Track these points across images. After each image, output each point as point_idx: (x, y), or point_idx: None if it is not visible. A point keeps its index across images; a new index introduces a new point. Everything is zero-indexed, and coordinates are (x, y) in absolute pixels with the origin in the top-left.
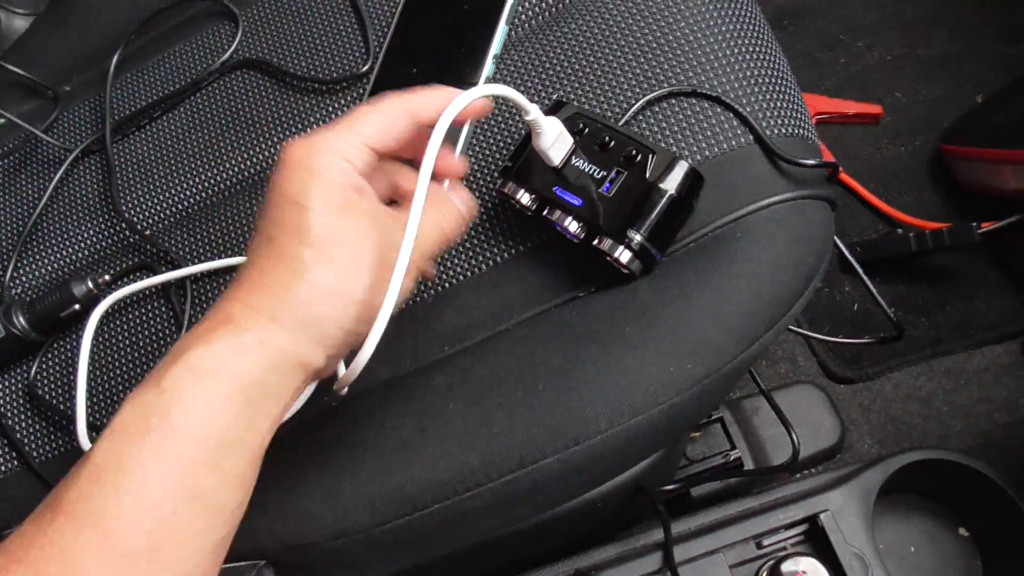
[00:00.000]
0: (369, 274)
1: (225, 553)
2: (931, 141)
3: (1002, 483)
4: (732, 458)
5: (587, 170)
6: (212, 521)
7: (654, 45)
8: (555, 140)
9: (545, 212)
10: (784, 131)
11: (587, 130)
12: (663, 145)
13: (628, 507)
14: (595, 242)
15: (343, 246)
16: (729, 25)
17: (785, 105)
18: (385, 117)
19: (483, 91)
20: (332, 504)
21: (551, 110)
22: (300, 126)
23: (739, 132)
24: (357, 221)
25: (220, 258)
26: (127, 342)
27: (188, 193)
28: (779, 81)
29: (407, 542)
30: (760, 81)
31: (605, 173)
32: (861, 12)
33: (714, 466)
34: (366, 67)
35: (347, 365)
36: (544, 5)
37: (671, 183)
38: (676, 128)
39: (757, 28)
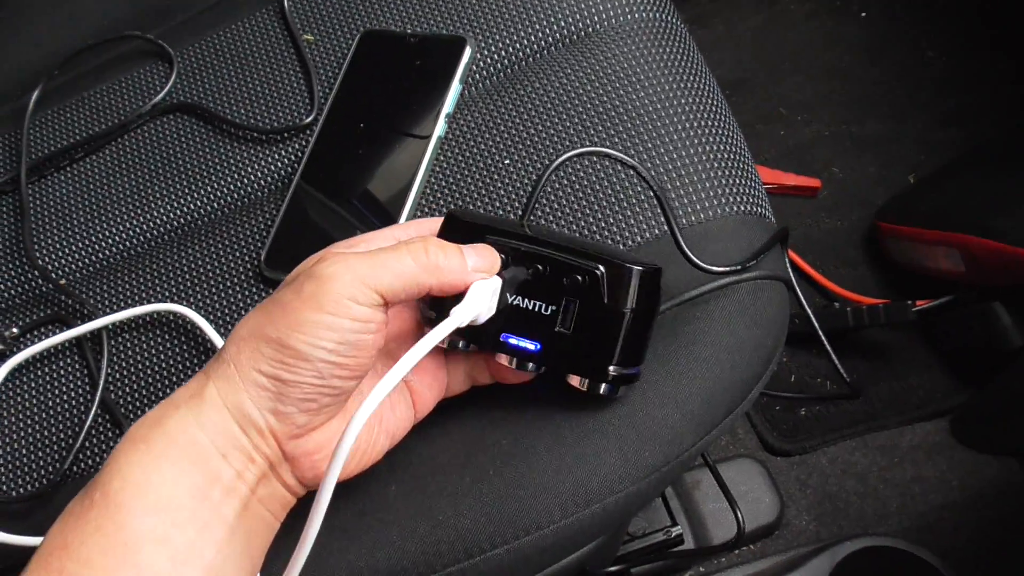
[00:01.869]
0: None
1: None
2: (867, 217)
3: (946, 573)
4: (674, 535)
5: (530, 307)
6: None
7: (613, 114)
8: (483, 303)
9: (497, 359)
10: (741, 208)
11: (508, 258)
12: (633, 233)
13: None
14: (566, 378)
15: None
16: (686, 98)
17: (741, 182)
18: (405, 278)
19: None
20: None
21: (444, 226)
22: (237, 175)
23: (680, 215)
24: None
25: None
26: (33, 402)
27: (110, 241)
28: (736, 157)
29: None
30: (716, 157)
31: (554, 307)
32: (798, 88)
33: (656, 542)
34: (309, 118)
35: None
36: (499, 66)
37: (630, 299)
38: (620, 207)
39: (714, 103)
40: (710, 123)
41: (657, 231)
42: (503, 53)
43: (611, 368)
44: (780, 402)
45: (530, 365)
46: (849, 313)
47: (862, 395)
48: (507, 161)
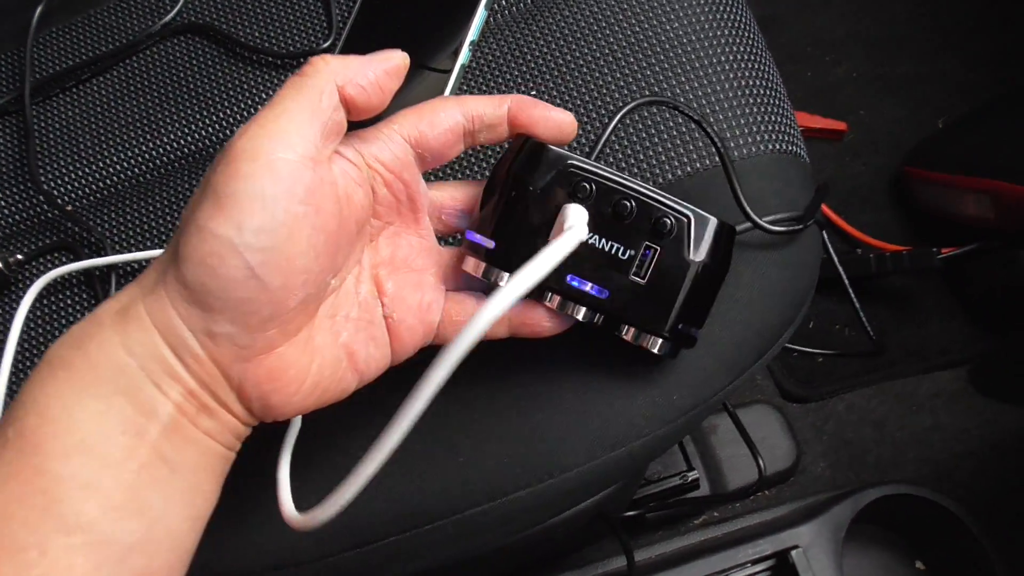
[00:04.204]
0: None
1: None
2: (892, 162)
3: (967, 520)
4: (690, 479)
5: (605, 248)
6: (102, 560)
7: (644, 45)
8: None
9: (548, 302)
10: (776, 147)
11: (593, 190)
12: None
13: (587, 530)
14: (619, 332)
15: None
16: (723, 31)
17: (778, 119)
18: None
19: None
20: (274, 533)
21: (517, 150)
22: (251, 101)
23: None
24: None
25: (152, 245)
26: (38, 331)
27: (118, 167)
28: (771, 94)
29: (352, 573)
30: (752, 93)
31: (633, 252)
32: (829, 26)
33: (672, 487)
34: (327, 43)
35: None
36: None
37: (709, 253)
38: (657, 141)
39: (751, 37)
40: (747, 57)
41: (691, 168)
42: None
43: (679, 326)
44: (798, 349)
45: (582, 312)
46: (872, 260)
47: (885, 351)
48: (534, 92)
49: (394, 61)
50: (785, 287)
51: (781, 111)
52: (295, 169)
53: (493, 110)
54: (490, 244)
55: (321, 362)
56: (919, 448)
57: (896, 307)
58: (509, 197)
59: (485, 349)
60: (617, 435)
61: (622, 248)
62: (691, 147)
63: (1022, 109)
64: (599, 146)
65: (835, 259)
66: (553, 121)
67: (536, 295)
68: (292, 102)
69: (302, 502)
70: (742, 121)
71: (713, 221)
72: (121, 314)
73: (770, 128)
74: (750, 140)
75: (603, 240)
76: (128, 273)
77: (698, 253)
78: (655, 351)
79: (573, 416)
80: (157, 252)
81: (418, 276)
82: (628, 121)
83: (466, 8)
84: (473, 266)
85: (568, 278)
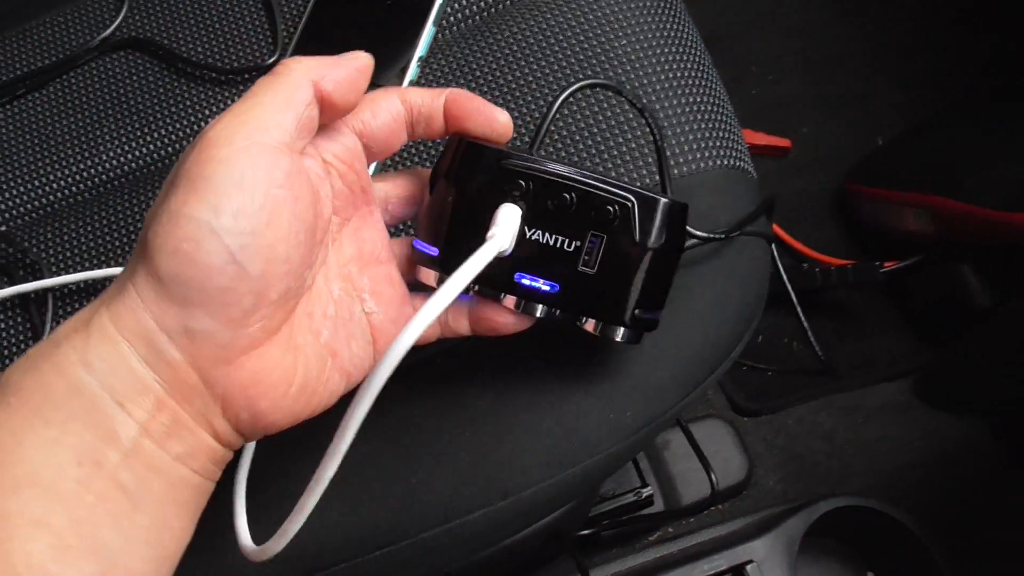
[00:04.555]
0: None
1: None
2: (836, 178)
3: (915, 530)
4: (644, 495)
5: (551, 242)
6: None
7: (594, 62)
8: (514, 228)
9: (505, 301)
10: (724, 162)
11: (530, 187)
12: (626, 178)
13: (541, 550)
14: (580, 323)
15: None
16: (671, 48)
17: (725, 135)
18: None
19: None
20: (215, 560)
21: (451, 149)
22: (193, 118)
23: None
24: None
25: (91, 266)
26: None
27: (55, 186)
28: (719, 111)
29: None
30: (700, 110)
31: (579, 243)
32: (772, 47)
33: (627, 503)
34: (272, 59)
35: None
36: (476, 8)
37: (659, 235)
38: (598, 130)
39: (698, 55)
40: (695, 74)
41: (643, 182)
42: None
43: (637, 311)
44: (747, 359)
45: (539, 309)
46: (817, 274)
47: (833, 368)
48: None
49: (362, 60)
50: (736, 301)
51: (728, 127)
52: (273, 153)
53: (431, 100)
54: (434, 251)
55: (306, 362)
56: (867, 459)
57: (842, 320)
58: (447, 201)
59: (436, 370)
60: (571, 453)
61: (567, 240)
62: (645, 161)
63: (957, 127)
64: (540, 136)
65: (783, 274)
66: (485, 115)
67: (491, 295)
68: (265, 96)
69: (258, 531)
70: (691, 137)
71: (662, 202)
72: (81, 329)
73: (718, 144)
74: (699, 156)
75: (546, 234)
76: (66, 295)
77: (647, 236)
78: (617, 339)
79: (526, 435)
80: (96, 273)
81: (387, 269)
82: (584, 128)
83: (414, 24)
84: (426, 276)
85: (517, 276)
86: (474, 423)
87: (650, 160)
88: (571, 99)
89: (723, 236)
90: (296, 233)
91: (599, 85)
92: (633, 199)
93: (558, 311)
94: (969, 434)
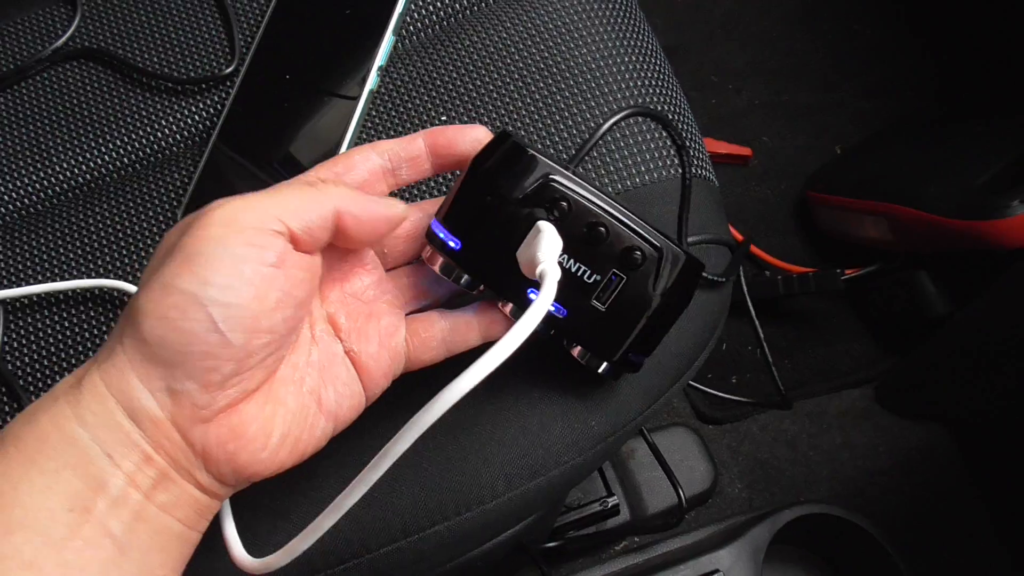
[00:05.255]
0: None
1: None
2: (796, 186)
3: (878, 536)
4: (610, 505)
5: (572, 269)
6: None
7: (554, 71)
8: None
9: (502, 305)
10: (692, 172)
11: (570, 208)
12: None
13: (506, 562)
14: (568, 347)
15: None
16: (630, 57)
17: (691, 145)
18: (315, 203)
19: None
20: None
21: (496, 140)
22: (148, 129)
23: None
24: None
25: (43, 279)
26: None
27: (6, 199)
28: (680, 119)
29: None
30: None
31: (599, 277)
32: (732, 56)
33: (593, 513)
34: (230, 69)
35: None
36: (436, 17)
37: (672, 287)
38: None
39: (658, 64)
40: (654, 83)
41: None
42: (439, 4)
43: (629, 354)
44: (711, 370)
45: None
46: (779, 281)
47: (792, 406)
48: (444, 117)
49: (397, 210)
50: (699, 310)
51: (690, 136)
52: (269, 237)
53: (407, 144)
54: (456, 243)
55: (285, 413)
56: (831, 466)
57: (804, 327)
58: (484, 199)
59: (398, 383)
60: (535, 464)
61: (589, 272)
62: (654, 153)
63: (915, 136)
64: (581, 155)
65: (743, 284)
66: (471, 135)
67: (494, 299)
68: (284, 196)
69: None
70: (652, 146)
71: (682, 256)
72: (75, 385)
73: (688, 153)
74: (660, 164)
75: (572, 260)
76: (17, 309)
77: (663, 287)
78: (599, 372)
79: (490, 446)
80: (48, 287)
81: (369, 306)
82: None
83: (373, 34)
84: (432, 259)
85: (529, 291)
86: (437, 436)
87: (632, 163)
88: (575, 106)
89: (723, 280)
90: (284, 308)
91: (650, 115)
92: (663, 248)
93: (553, 331)
94: (930, 440)
